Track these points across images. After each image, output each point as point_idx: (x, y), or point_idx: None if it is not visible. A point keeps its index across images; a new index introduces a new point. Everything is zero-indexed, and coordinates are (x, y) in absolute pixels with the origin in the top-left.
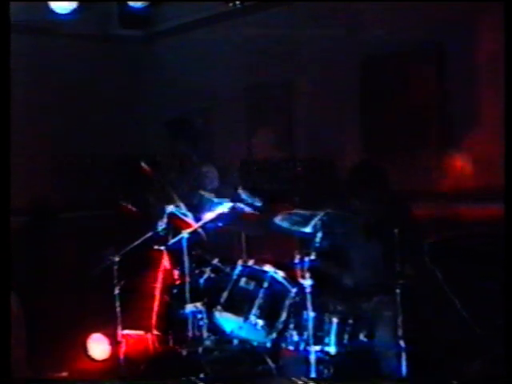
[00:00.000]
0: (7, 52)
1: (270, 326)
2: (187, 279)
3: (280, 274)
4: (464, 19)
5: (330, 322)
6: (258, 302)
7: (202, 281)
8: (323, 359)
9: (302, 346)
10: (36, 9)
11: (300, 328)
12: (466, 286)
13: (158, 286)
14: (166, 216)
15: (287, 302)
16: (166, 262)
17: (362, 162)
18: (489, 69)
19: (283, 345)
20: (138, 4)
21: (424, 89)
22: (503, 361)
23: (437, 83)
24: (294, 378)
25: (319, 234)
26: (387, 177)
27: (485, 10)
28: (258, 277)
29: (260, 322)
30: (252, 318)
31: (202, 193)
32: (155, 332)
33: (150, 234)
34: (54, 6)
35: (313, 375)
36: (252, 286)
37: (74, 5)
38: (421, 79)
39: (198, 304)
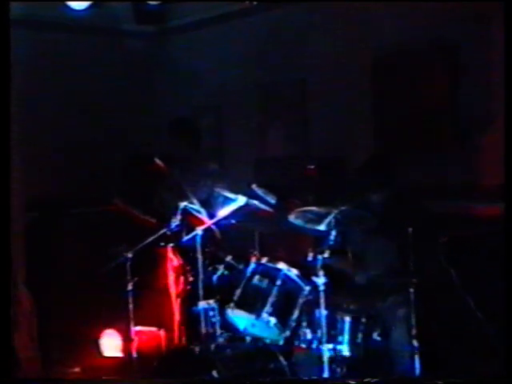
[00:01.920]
0: (7, 49)
1: (282, 323)
2: (200, 276)
3: (293, 272)
4: (478, 17)
5: (343, 321)
6: (270, 299)
7: (215, 278)
8: (336, 358)
9: (314, 345)
10: (51, 4)
11: (313, 326)
12: (481, 285)
13: (171, 282)
14: (179, 213)
15: (300, 300)
16: (179, 259)
17: (375, 157)
18: (501, 66)
19: (296, 343)
20: (153, 2)
21: (437, 87)
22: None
23: (450, 81)
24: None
25: (333, 232)
26: (398, 172)
27: (499, 8)
28: (271, 274)
29: (272, 320)
30: (264, 315)
31: (216, 189)
32: (168, 329)
33: (163, 230)
34: (69, 1)
35: (325, 374)
36: (265, 283)
37: (89, 1)
38: (434, 77)
39: (211, 301)
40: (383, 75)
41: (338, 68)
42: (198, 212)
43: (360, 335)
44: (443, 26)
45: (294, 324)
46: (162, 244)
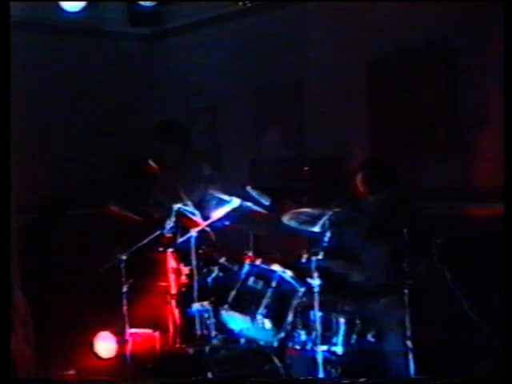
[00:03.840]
0: (7, 50)
1: (277, 325)
2: (195, 278)
3: (288, 274)
4: (474, 18)
5: (338, 322)
6: (265, 301)
7: (209, 280)
8: (330, 359)
9: (309, 346)
10: (45, 6)
11: (307, 328)
12: (475, 286)
13: (166, 284)
14: (173, 215)
15: (295, 302)
16: (173, 261)
17: (370, 158)
18: (498, 68)
19: (290, 344)
20: (148, 3)
21: (435, 88)
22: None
23: (446, 83)
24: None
25: (327, 234)
26: (395, 174)
27: (495, 9)
28: (266, 276)
29: (267, 322)
30: (259, 317)
31: (210, 191)
32: (162, 330)
33: (158, 232)
34: (63, 4)
35: (320, 375)
36: (260, 285)
37: (83, 3)
38: (430, 79)
39: (206, 303)
40: (380, 76)
41: (334, 69)
42: (193, 214)
43: (354, 336)
44: (441, 27)
45: (288, 326)
46: (157, 246)
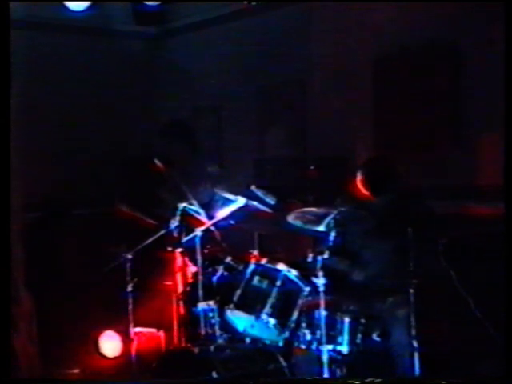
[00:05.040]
0: (7, 50)
1: (282, 324)
2: (200, 277)
3: (293, 273)
4: (478, 16)
5: (343, 322)
6: (270, 300)
7: (214, 279)
8: (336, 358)
9: (314, 345)
10: (49, 5)
11: (313, 327)
12: (481, 285)
13: (171, 283)
14: (178, 214)
15: (300, 301)
16: (178, 260)
17: (370, 159)
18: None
19: (295, 344)
20: (153, 2)
21: (437, 87)
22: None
23: (450, 82)
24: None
25: (332, 233)
26: (397, 173)
27: (499, 8)
28: (271, 275)
29: (272, 321)
30: (264, 316)
31: (216, 191)
32: (167, 330)
33: (162, 231)
34: (68, 3)
35: (325, 374)
36: (265, 284)
37: (87, 2)
38: (434, 77)
39: (211, 302)
40: (383, 75)
41: (338, 68)
42: (198, 213)
43: (359, 336)
44: (443, 26)
45: (293, 325)
46: (162, 245)
